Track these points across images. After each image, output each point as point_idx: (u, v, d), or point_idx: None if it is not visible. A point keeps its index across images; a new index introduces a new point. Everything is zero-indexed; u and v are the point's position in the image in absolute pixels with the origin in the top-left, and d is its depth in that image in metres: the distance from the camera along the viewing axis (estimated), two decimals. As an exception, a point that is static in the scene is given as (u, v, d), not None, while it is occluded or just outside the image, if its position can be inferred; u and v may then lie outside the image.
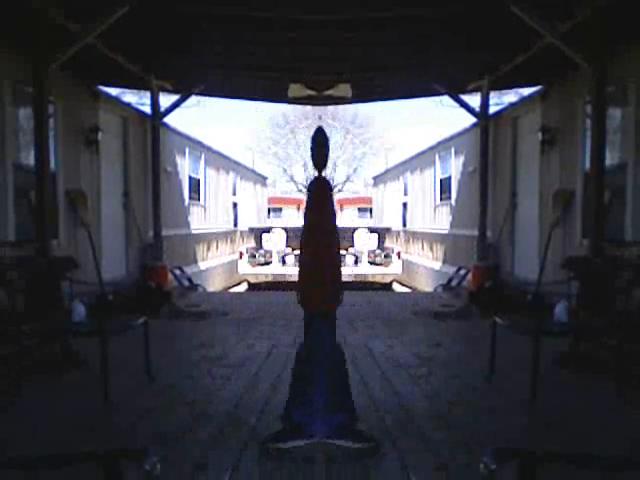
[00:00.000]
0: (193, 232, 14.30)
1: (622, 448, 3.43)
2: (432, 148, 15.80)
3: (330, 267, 3.60)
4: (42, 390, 4.60)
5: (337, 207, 29.35)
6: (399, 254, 16.10)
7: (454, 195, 14.24)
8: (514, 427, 3.85)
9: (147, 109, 10.95)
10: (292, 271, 14.15)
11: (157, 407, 4.29)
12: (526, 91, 11.01)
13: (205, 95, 11.99)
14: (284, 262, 15.65)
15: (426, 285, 15.56)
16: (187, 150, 14.14)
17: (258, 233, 17.26)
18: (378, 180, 26.86)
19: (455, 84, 10.62)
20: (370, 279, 15.34)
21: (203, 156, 15.31)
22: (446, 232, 14.39)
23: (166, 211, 11.15)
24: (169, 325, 7.74)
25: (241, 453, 3.41)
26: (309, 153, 3.74)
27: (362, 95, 11.86)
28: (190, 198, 14.24)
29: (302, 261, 3.70)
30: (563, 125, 8.79)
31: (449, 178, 14.68)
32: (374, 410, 4.24)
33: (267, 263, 15.96)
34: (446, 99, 11.38)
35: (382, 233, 17.35)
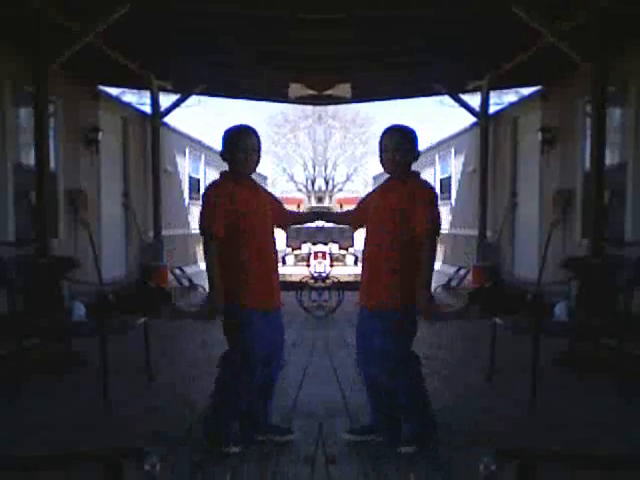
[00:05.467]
0: (193, 232, 14.29)
1: (622, 448, 3.43)
2: (432, 148, 15.81)
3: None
4: (42, 390, 4.60)
5: (337, 206, 29.42)
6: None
7: (454, 195, 14.25)
8: (514, 427, 3.85)
9: (147, 109, 10.95)
10: (292, 271, 14.15)
11: (157, 407, 4.29)
12: (526, 91, 11.02)
13: (205, 95, 12.00)
14: (284, 262, 15.62)
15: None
16: (187, 150, 14.14)
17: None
18: (378, 180, 26.88)
19: (455, 84, 10.62)
20: (370, 279, 15.31)
21: (203, 156, 15.31)
22: (446, 232, 14.38)
23: (166, 211, 11.15)
24: (169, 325, 7.73)
25: (242, 453, 3.41)
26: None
27: (363, 95, 11.86)
28: (190, 198, 14.24)
29: None
30: (563, 125, 8.79)
31: (449, 178, 14.69)
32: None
33: (267, 263, 15.93)
34: (447, 99, 11.38)
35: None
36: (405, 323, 3.43)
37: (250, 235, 3.40)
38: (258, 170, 3.72)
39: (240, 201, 3.38)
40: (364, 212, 3.67)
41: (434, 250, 3.42)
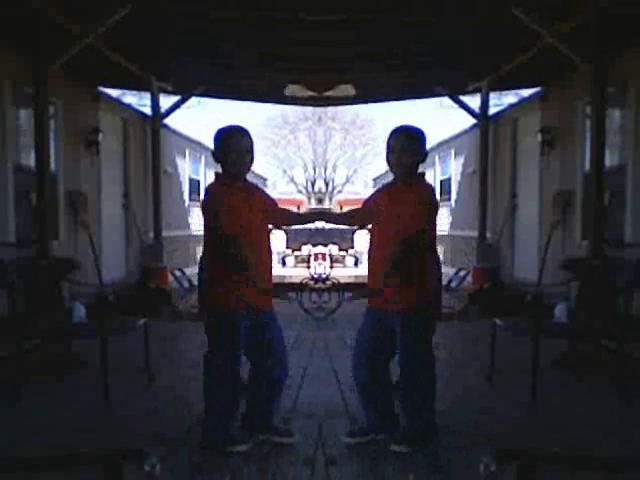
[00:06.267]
0: (193, 233, 14.31)
1: (622, 450, 3.43)
2: (432, 149, 15.81)
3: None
4: (42, 391, 4.60)
5: (337, 208, 29.41)
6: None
7: (454, 196, 14.25)
8: (514, 428, 3.85)
9: (147, 110, 10.96)
10: (292, 272, 14.16)
11: (157, 408, 4.29)
12: (526, 92, 11.03)
13: (206, 96, 12.00)
14: (284, 263, 15.64)
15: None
16: (187, 151, 14.14)
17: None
18: (378, 181, 26.89)
19: (455, 85, 10.62)
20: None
21: (203, 157, 15.31)
22: (445, 233, 14.39)
23: (166, 212, 11.15)
24: (169, 326, 7.73)
25: (242, 454, 3.41)
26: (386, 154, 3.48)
27: (363, 96, 11.86)
28: (190, 199, 14.25)
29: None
30: (563, 126, 8.79)
31: (449, 179, 14.69)
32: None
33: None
34: (446, 100, 11.40)
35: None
36: (413, 323, 3.42)
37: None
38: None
39: (228, 203, 3.35)
40: (367, 213, 3.67)
41: (409, 250, 3.29)
